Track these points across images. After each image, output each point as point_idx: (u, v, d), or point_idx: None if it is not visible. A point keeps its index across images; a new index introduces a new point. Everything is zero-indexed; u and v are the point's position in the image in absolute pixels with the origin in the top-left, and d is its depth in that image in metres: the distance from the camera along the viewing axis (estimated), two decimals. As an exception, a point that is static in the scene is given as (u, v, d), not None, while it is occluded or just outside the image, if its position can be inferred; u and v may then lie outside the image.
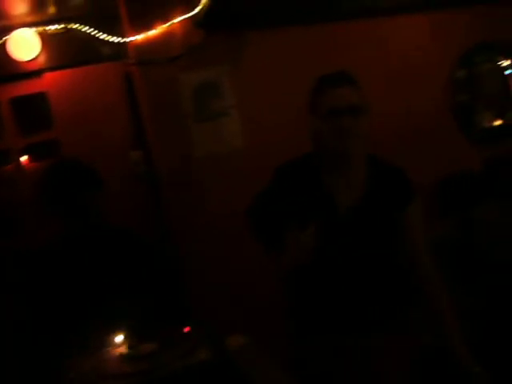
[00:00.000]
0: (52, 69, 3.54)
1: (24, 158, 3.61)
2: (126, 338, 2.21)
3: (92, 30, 3.40)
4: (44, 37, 3.46)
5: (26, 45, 3.42)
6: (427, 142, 3.60)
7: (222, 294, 3.24)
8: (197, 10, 3.16)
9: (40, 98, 3.57)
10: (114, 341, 2.21)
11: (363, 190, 1.96)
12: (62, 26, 3.44)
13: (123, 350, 2.14)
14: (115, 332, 2.22)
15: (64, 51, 3.51)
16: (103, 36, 3.38)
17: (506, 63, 4.00)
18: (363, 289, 1.92)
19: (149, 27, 3.24)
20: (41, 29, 3.43)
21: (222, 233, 3.26)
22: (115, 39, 3.35)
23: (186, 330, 2.24)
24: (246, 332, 2.40)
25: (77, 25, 3.43)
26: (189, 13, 3.22)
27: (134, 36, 3.25)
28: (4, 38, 3.39)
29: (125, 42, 3.31)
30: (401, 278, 1.98)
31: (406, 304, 1.99)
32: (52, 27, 3.44)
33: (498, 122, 4.01)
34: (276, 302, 3.07)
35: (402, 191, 2.00)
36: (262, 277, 3.19)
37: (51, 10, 3.35)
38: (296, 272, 2.00)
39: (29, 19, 3.38)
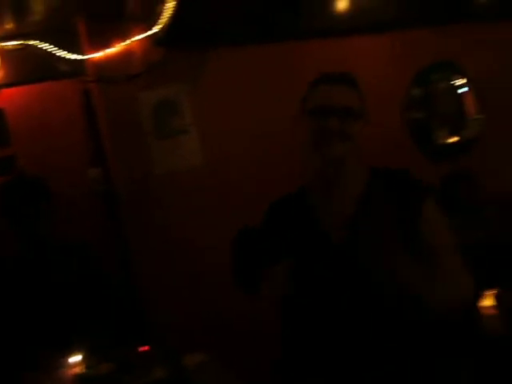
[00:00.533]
0: (9, 85, 3.49)
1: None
2: (83, 358, 2.18)
3: (50, 46, 3.37)
4: (1, 53, 3.41)
5: (-17, 61, 3.38)
6: (384, 159, 3.65)
7: (182, 311, 3.23)
8: (156, 28, 3.17)
9: (-3, 115, 3.52)
10: (70, 361, 2.18)
11: (355, 210, 1.68)
12: (20, 42, 3.40)
13: (80, 370, 2.12)
14: (72, 352, 2.20)
15: (22, 67, 3.46)
16: (62, 53, 3.36)
17: (460, 81, 4.11)
18: (365, 331, 1.59)
19: (108, 45, 3.24)
20: (-2, 45, 3.40)
21: (182, 249, 3.26)
22: (74, 56, 3.33)
23: (144, 348, 2.23)
24: (208, 350, 2.40)
25: (35, 41, 3.40)
26: (148, 31, 3.23)
27: (93, 53, 3.24)
28: (-39, 54, 3.34)
29: (84, 59, 3.30)
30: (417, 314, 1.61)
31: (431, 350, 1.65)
32: (10, 43, 3.40)
33: (453, 139, 4.11)
34: (240, 320, 3.11)
35: (409, 197, 1.69)
36: (224, 293, 3.20)
37: (9, 25, 3.31)
38: (285, 311, 1.74)
39: (-14, 35, 3.35)
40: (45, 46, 3.38)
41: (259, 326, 3.12)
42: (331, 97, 1.68)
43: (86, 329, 2.36)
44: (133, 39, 3.26)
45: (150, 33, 3.23)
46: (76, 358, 2.18)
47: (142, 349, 2.23)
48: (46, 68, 3.45)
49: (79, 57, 3.31)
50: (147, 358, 2.15)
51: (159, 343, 2.36)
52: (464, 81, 4.09)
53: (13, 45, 3.40)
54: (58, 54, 3.35)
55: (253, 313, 3.17)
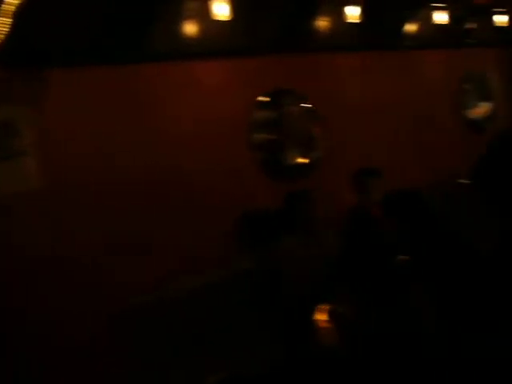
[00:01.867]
0: None
1: None
2: None
3: None
4: None
5: None
6: (230, 180, 3.80)
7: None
8: (-6, 45, 3.01)
9: None
10: None
11: None
12: None
13: None
14: None
15: None
16: None
17: (307, 106, 4.35)
18: None
19: None
20: None
21: (25, 270, 3.10)
22: None
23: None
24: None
25: None
26: (-15, 48, 3.07)
27: None
28: None
29: None
30: None
31: None
32: None
33: (302, 160, 4.32)
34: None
35: None
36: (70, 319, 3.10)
37: None
38: None
39: None
40: None
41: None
42: None
43: None
44: (-34, 56, 3.07)
45: (-14, 50, 3.07)
46: None
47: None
48: None
49: None
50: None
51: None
52: (309, 106, 4.35)
53: None
54: None
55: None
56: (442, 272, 2.87)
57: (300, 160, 4.33)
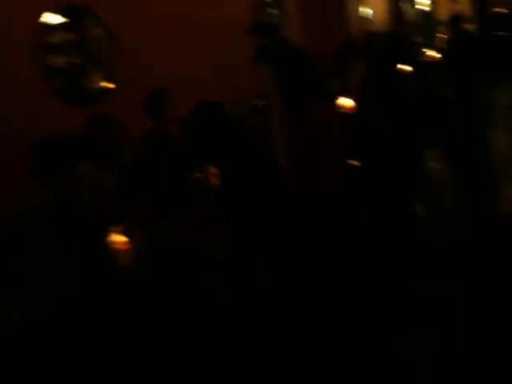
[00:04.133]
0: None
1: None
2: None
3: None
4: None
5: None
6: (24, 107, 3.54)
7: None
8: None
9: None
10: None
11: None
12: None
13: None
14: None
15: None
16: None
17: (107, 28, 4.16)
18: None
19: None
20: None
21: None
22: None
23: None
24: None
25: None
26: None
27: None
28: None
29: None
30: None
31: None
32: None
33: (103, 85, 4.20)
34: None
35: None
36: None
37: None
38: None
39: None
40: None
41: None
42: None
43: None
44: None
45: None
46: None
47: None
48: None
49: None
50: None
51: None
52: (107, 27, 4.18)
53: None
54: None
55: None
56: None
57: (101, 85, 4.21)
